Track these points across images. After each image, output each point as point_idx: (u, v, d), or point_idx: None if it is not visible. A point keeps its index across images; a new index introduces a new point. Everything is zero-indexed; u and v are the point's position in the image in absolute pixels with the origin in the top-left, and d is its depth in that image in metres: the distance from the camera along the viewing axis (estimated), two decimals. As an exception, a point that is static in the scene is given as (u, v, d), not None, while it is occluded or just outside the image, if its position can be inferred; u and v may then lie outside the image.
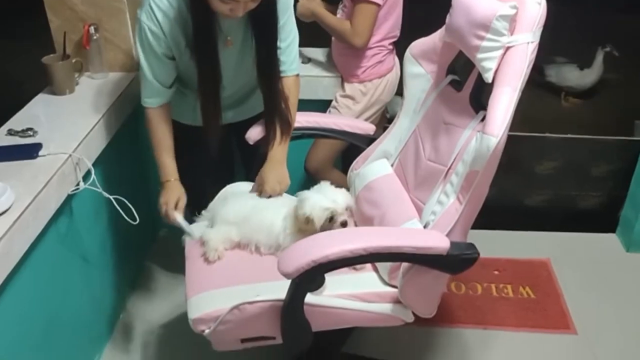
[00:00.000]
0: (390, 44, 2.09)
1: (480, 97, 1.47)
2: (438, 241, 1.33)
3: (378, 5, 1.92)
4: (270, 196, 1.73)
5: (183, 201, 1.70)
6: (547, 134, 2.55)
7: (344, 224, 1.53)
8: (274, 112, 1.73)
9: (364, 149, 1.85)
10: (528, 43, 1.32)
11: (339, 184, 2.17)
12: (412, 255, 1.31)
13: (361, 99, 2.11)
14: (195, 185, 1.81)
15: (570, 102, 3.86)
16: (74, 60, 2.02)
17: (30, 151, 1.64)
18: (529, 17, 1.33)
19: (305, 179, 2.22)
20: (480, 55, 1.35)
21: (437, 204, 1.47)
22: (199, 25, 1.55)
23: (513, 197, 2.62)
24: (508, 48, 1.34)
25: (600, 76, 3.68)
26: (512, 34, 1.33)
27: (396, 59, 2.17)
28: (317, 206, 1.50)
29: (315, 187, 1.63)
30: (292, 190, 2.07)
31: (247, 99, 1.87)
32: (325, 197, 1.53)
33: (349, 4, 1.99)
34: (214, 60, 1.61)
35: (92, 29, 2.04)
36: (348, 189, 1.82)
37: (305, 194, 1.57)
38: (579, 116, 3.69)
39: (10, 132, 1.74)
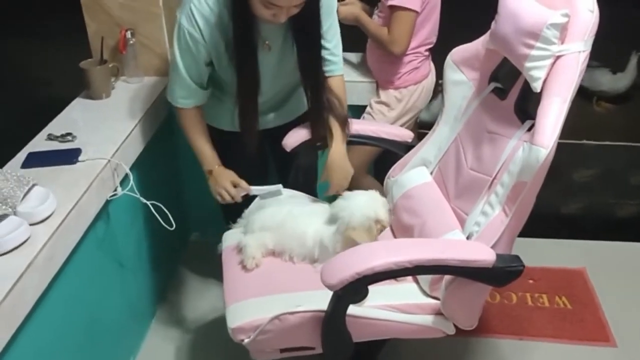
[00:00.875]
0: (426, 50, 2.07)
1: (526, 106, 1.44)
2: (484, 254, 1.30)
3: (416, 12, 1.90)
4: (337, 192, 1.74)
5: (237, 178, 1.70)
6: (585, 141, 2.51)
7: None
8: (324, 111, 1.71)
9: (399, 156, 1.82)
10: (579, 52, 1.29)
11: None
12: (458, 268, 1.29)
13: (396, 105, 2.09)
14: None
15: (602, 107, 3.78)
16: (110, 65, 2.02)
17: (70, 156, 1.65)
18: (581, 25, 1.29)
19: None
20: (528, 64, 1.33)
21: (481, 214, 1.44)
22: (239, 30, 1.54)
23: (549, 205, 2.58)
24: (558, 57, 1.31)
25: (634, 80, 3.60)
26: (562, 43, 1.30)
27: (432, 65, 2.14)
28: (377, 204, 1.55)
29: (337, 203, 1.61)
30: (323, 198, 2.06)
31: (284, 104, 1.86)
32: (362, 199, 1.56)
33: (385, 10, 1.97)
34: (253, 65, 1.60)
35: (128, 34, 2.05)
36: (385, 196, 1.81)
37: (345, 209, 1.56)
38: (611, 121, 3.62)
39: (50, 137, 1.75)
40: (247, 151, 1.72)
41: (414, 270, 1.29)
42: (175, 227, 1.72)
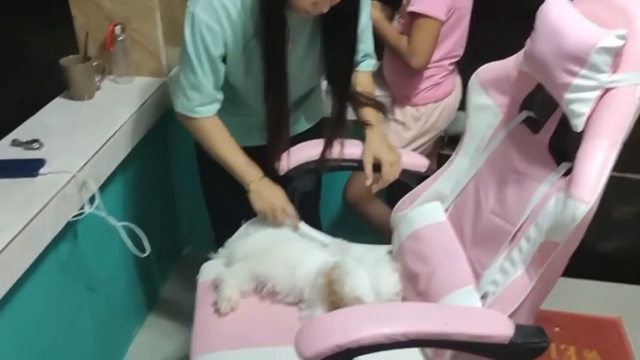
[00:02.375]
0: (450, 64, 1.81)
1: (564, 145, 1.17)
2: (500, 327, 1.05)
3: (440, 21, 1.64)
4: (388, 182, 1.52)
5: (285, 200, 1.47)
6: (628, 174, 2.21)
7: None
8: (345, 120, 1.52)
9: (411, 187, 1.57)
10: (636, 85, 1.02)
11: (381, 219, 1.94)
12: (465, 344, 1.04)
13: (413, 125, 1.84)
14: (230, 216, 1.59)
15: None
16: (95, 63, 1.82)
17: (30, 168, 1.44)
18: (640, 50, 1.02)
19: (343, 211, 1.97)
20: (569, 96, 1.06)
21: (500, 272, 1.19)
22: (269, 23, 1.31)
23: (583, 241, 2.29)
24: (608, 89, 1.04)
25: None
26: (614, 72, 1.03)
27: (457, 80, 1.89)
28: (357, 291, 1.24)
29: (366, 255, 1.36)
30: (326, 224, 1.83)
31: (299, 109, 1.64)
32: (369, 281, 1.27)
33: (406, 17, 1.71)
34: (283, 63, 1.37)
35: (117, 29, 1.84)
36: (391, 230, 1.57)
37: (350, 265, 1.30)
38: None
39: (15, 143, 1.56)
40: (269, 166, 1.50)
41: (410, 344, 1.04)
42: (167, 241, 1.51)
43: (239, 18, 1.33)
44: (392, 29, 1.77)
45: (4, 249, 1.21)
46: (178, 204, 2.26)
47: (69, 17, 1.89)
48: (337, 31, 1.38)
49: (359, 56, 1.53)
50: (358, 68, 1.56)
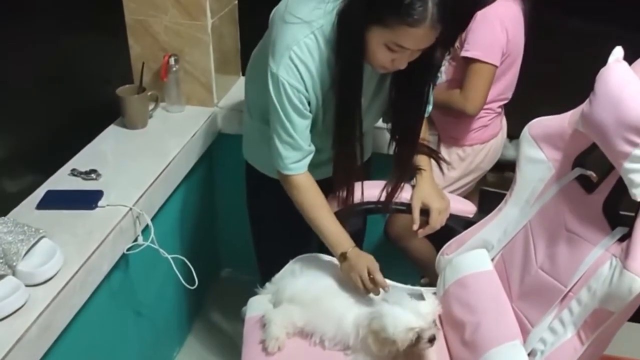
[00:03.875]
0: (499, 106, 1.82)
1: (618, 209, 1.18)
2: (549, 391, 1.06)
3: (495, 66, 1.65)
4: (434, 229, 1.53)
5: (373, 266, 1.41)
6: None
7: (431, 340, 1.28)
8: (409, 166, 1.54)
9: (457, 231, 1.59)
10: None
11: (423, 255, 1.95)
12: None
13: (458, 165, 1.85)
14: (276, 250, 1.63)
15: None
16: (149, 94, 1.87)
17: (89, 200, 1.50)
18: None
19: (385, 246, 1.98)
20: (628, 165, 1.07)
21: (549, 331, 1.20)
22: (345, 77, 1.34)
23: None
24: (669, 162, 1.05)
25: None
26: (678, 146, 1.04)
27: (504, 121, 1.89)
28: (401, 325, 1.25)
29: (392, 295, 1.36)
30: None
31: None
32: (408, 311, 1.27)
33: (459, 60, 1.73)
34: (355, 115, 1.39)
35: (172, 60, 1.90)
36: (437, 274, 1.58)
37: (383, 308, 1.31)
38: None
39: (74, 173, 1.62)
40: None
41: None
42: (206, 263, 1.54)
43: (317, 72, 1.35)
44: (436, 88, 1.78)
45: (66, 284, 1.26)
46: (218, 228, 2.30)
47: (123, 45, 1.95)
48: (411, 85, 1.40)
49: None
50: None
